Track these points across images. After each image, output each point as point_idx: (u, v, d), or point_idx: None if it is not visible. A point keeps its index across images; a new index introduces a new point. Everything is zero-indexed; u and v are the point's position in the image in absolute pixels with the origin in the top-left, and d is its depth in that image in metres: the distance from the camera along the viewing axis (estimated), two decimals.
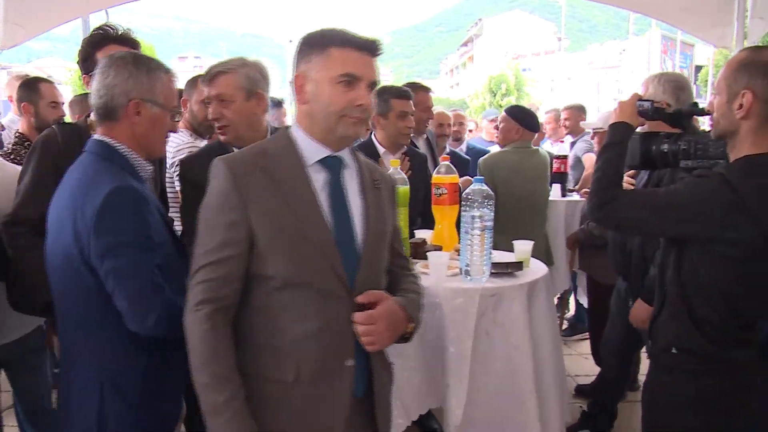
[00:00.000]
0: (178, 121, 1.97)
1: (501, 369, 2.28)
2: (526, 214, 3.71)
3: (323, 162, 1.51)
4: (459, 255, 2.42)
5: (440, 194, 2.73)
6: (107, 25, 2.23)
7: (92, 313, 1.65)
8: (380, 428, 1.60)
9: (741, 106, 1.69)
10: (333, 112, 1.46)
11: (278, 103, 5.09)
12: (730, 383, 1.75)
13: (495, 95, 41.13)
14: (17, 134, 3.47)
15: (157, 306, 1.58)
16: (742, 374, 1.75)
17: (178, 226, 2.34)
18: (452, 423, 2.24)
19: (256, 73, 2.31)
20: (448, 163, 2.78)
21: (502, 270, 2.41)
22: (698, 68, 38.78)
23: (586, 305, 4.30)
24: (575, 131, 5.52)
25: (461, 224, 2.36)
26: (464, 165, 3.98)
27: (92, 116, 2.19)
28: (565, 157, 4.75)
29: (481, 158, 4.00)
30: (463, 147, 5.13)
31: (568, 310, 5.18)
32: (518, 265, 2.47)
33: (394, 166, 2.62)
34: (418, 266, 2.36)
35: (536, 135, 4.08)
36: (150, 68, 1.73)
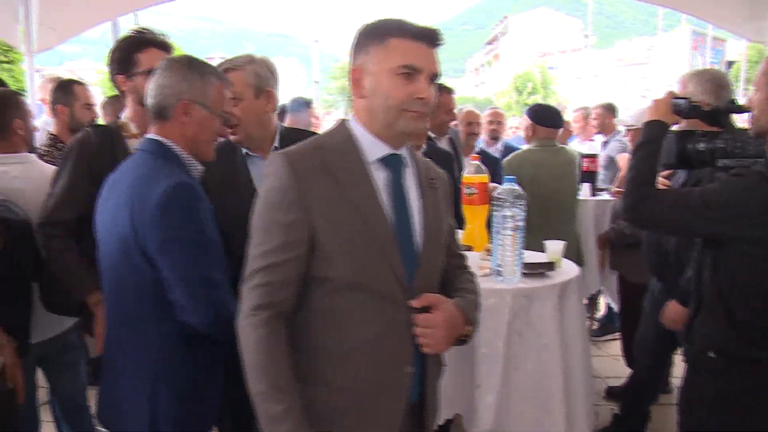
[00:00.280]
0: (228, 126, 1.98)
1: (532, 370, 2.26)
2: (550, 213, 3.64)
3: (384, 160, 1.45)
4: (490, 255, 2.40)
5: (471, 194, 2.72)
6: (145, 29, 2.25)
7: (145, 306, 1.67)
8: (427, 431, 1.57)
9: None
10: (392, 107, 1.39)
11: (307, 104, 5.09)
12: None
13: (521, 93, 40.88)
14: (49, 136, 3.50)
15: (215, 302, 1.61)
16: None
17: None
18: (482, 426, 2.22)
19: (265, 70, 2.20)
20: (477, 162, 2.76)
21: (533, 270, 2.39)
22: (729, 64, 38.02)
23: (613, 307, 4.24)
24: (606, 130, 5.45)
25: (492, 224, 2.34)
26: (494, 163, 3.93)
27: (122, 117, 2.23)
28: (594, 156, 4.68)
29: (505, 158, 3.96)
30: (500, 146, 5.07)
31: (599, 310, 5.12)
32: (550, 266, 2.45)
33: None
34: None
35: (560, 132, 4.01)
36: (203, 72, 1.77)
